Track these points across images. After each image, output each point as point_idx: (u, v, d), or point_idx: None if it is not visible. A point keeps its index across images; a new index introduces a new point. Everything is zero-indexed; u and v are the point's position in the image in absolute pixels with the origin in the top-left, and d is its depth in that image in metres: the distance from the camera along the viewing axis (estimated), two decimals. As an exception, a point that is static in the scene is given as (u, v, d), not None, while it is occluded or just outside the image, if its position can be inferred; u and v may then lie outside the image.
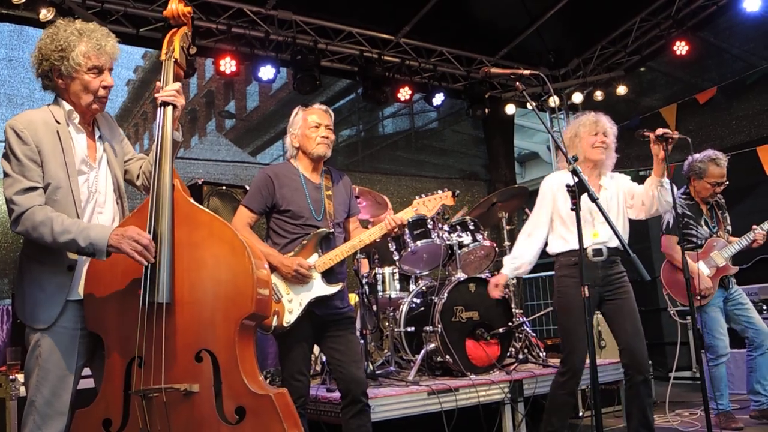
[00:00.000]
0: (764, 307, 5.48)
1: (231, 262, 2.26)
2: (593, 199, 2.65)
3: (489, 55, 7.73)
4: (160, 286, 2.21)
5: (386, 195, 5.35)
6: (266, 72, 6.43)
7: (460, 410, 3.93)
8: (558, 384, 3.46)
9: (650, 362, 5.22)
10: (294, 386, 2.94)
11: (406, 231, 4.63)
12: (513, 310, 4.73)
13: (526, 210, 3.85)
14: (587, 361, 3.11)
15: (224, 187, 5.42)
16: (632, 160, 7.64)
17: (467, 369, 4.33)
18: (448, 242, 4.78)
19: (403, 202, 6.96)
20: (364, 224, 4.34)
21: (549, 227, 3.58)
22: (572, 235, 3.43)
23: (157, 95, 2.43)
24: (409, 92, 7.31)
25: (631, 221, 3.60)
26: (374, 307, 4.82)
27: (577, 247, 3.33)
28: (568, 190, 2.73)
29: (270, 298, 2.46)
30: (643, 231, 6.98)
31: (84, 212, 2.33)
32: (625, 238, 3.41)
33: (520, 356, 4.80)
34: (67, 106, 2.36)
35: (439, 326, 4.32)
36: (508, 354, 4.71)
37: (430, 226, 4.70)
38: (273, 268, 2.97)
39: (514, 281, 5.28)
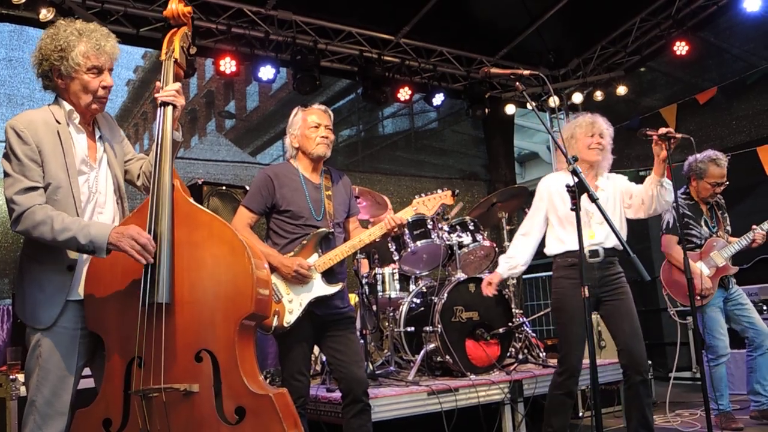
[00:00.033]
0: (764, 308, 5.48)
1: (231, 262, 2.26)
2: (593, 199, 2.65)
3: (489, 55, 7.73)
4: (160, 286, 2.21)
5: (386, 195, 5.36)
6: (266, 72, 6.43)
7: (460, 410, 3.93)
8: (556, 384, 3.47)
9: (650, 363, 5.25)
10: (294, 386, 2.94)
11: (406, 231, 4.63)
12: (513, 310, 4.73)
13: (526, 210, 3.85)
14: (585, 361, 3.12)
15: (224, 187, 5.42)
16: (632, 160, 7.64)
17: (467, 369, 4.33)
18: (447, 242, 4.78)
19: (403, 202, 6.95)
20: (364, 224, 4.34)
21: (545, 228, 3.61)
22: (568, 236, 3.46)
23: (157, 95, 2.43)
24: (409, 92, 7.31)
25: (630, 221, 3.60)
26: (374, 307, 4.82)
27: (573, 248, 3.42)
28: (568, 190, 2.73)
29: (270, 298, 2.47)
30: (643, 231, 6.99)
31: (84, 212, 2.33)
32: (624, 238, 3.41)
33: (520, 356, 4.80)
34: (68, 106, 2.36)
35: (439, 326, 4.33)
36: (508, 354, 4.71)
37: (430, 227, 4.70)
38: (273, 269, 2.97)
39: (514, 281, 5.29)
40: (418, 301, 4.80)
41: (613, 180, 3.60)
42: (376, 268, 4.96)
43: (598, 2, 6.86)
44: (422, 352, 4.42)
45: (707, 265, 4.41)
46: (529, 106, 7.56)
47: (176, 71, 2.50)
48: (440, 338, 4.32)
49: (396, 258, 4.78)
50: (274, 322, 2.98)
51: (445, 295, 4.42)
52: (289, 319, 3.01)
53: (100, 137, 2.47)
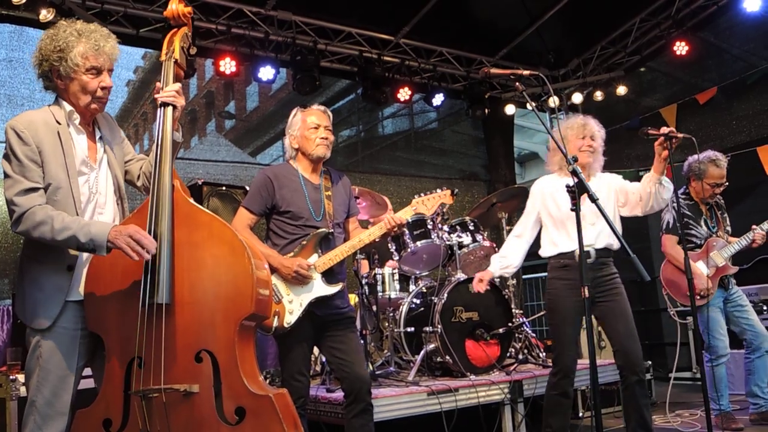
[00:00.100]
0: (764, 308, 5.48)
1: (231, 262, 2.26)
2: (593, 200, 2.65)
3: (489, 56, 7.73)
4: (160, 286, 2.21)
5: (386, 195, 5.35)
6: (266, 72, 6.43)
7: (460, 411, 3.94)
8: (551, 384, 3.50)
9: (650, 363, 5.27)
10: (294, 387, 2.94)
11: (406, 231, 4.63)
12: (513, 310, 4.73)
13: (526, 210, 3.87)
14: (585, 361, 3.12)
15: (224, 188, 5.42)
16: (632, 160, 7.64)
17: (467, 369, 4.33)
18: (447, 242, 4.78)
19: (403, 202, 6.93)
20: (364, 225, 4.33)
21: (537, 230, 3.66)
22: (561, 238, 3.49)
23: (157, 96, 2.43)
24: (409, 92, 7.31)
25: (629, 222, 3.60)
26: (374, 308, 4.82)
27: (565, 249, 3.46)
28: (568, 191, 2.73)
29: (270, 299, 2.47)
30: (643, 231, 6.98)
31: (84, 213, 2.33)
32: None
33: (520, 357, 4.80)
34: (68, 107, 2.36)
35: (439, 327, 4.33)
36: (508, 354, 4.71)
37: (429, 227, 4.70)
38: (273, 269, 2.97)
39: (514, 281, 5.29)
40: (418, 301, 4.80)
41: (606, 180, 3.61)
42: (376, 269, 4.96)
43: (598, 2, 6.86)
44: (422, 353, 4.42)
45: (707, 265, 4.41)
46: (529, 107, 7.56)
47: (176, 72, 2.50)
48: (440, 338, 4.32)
49: (396, 258, 4.78)
50: (275, 323, 2.98)
51: (445, 295, 4.42)
52: (290, 319, 3.01)
53: (101, 138, 2.47)
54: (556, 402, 3.45)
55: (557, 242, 3.51)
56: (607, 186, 3.57)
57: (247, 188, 4.97)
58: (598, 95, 7.94)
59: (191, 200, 2.38)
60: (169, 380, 2.18)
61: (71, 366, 2.27)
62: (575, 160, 2.77)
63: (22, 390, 3.68)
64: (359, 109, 9.03)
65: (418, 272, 5.06)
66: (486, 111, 7.79)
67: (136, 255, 2.17)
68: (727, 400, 4.36)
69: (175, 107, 2.42)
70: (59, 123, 2.32)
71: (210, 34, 6.28)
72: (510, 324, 4.60)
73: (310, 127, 3.21)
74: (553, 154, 3.62)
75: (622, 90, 7.79)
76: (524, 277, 8.10)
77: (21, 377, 3.71)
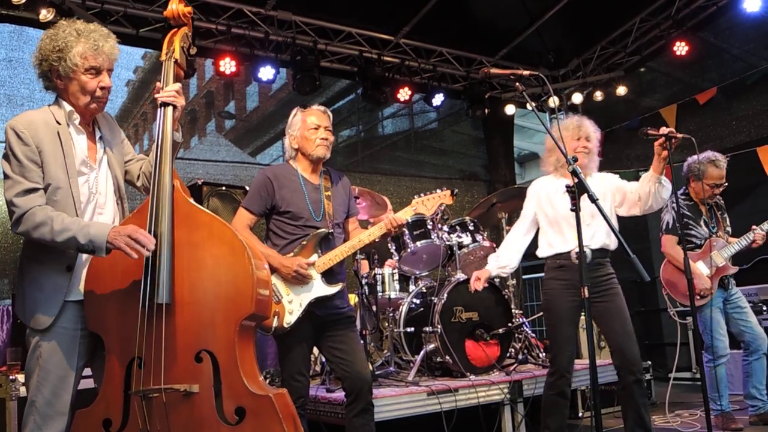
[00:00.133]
0: (764, 308, 5.48)
1: (231, 262, 2.26)
2: (593, 200, 2.66)
3: (489, 56, 7.73)
4: (160, 286, 2.21)
5: (386, 195, 5.35)
6: (266, 72, 6.44)
7: (460, 411, 3.94)
8: (547, 384, 3.51)
9: (650, 363, 5.27)
10: (293, 387, 2.94)
11: (406, 231, 4.64)
12: (512, 310, 4.73)
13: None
14: (584, 361, 3.12)
15: (224, 188, 5.42)
16: (632, 160, 7.65)
17: (467, 369, 4.33)
18: (447, 243, 4.78)
19: (403, 202, 6.93)
20: (364, 225, 4.33)
21: (534, 231, 3.68)
22: (557, 239, 3.51)
23: (157, 96, 2.43)
24: (409, 93, 7.32)
25: (628, 222, 3.61)
26: (374, 308, 4.82)
27: (561, 250, 3.47)
28: (567, 191, 2.73)
29: (270, 299, 2.47)
30: (642, 231, 6.99)
31: (84, 213, 2.33)
32: (614, 239, 3.45)
33: (520, 357, 4.80)
34: (68, 107, 2.36)
35: (439, 327, 4.33)
36: (508, 354, 4.71)
37: (429, 227, 4.70)
38: (273, 269, 2.97)
39: (514, 281, 5.29)
40: (418, 301, 4.80)
41: (602, 180, 3.61)
42: (376, 269, 4.96)
43: (598, 2, 6.87)
44: (422, 353, 4.42)
45: (707, 265, 4.41)
46: (528, 107, 7.56)
47: (176, 72, 2.50)
48: (440, 339, 4.32)
49: (396, 258, 4.78)
50: (274, 323, 2.98)
51: (445, 295, 4.42)
52: (289, 319, 3.01)
53: (100, 138, 2.47)
54: (553, 402, 3.46)
55: (553, 243, 3.53)
56: (603, 186, 3.57)
57: (247, 188, 4.97)
58: (598, 95, 7.94)
59: (191, 200, 2.38)
60: (169, 380, 2.18)
61: (71, 366, 2.27)
62: (575, 160, 2.77)
63: (22, 390, 3.68)
64: (359, 109, 9.03)
65: (417, 272, 5.06)
66: (486, 111, 7.79)
67: (136, 253, 2.17)
68: (727, 400, 4.36)
69: (175, 107, 2.42)
70: (59, 123, 2.32)
71: (210, 34, 6.29)
72: (510, 324, 4.60)
73: (310, 127, 3.21)
74: (549, 155, 3.63)
75: (622, 90, 7.79)
76: (524, 277, 8.10)
77: (21, 377, 3.71)
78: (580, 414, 4.94)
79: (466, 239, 4.89)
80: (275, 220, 3.19)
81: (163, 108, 2.41)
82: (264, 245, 3.15)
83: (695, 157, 4.43)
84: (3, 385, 3.77)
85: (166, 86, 2.45)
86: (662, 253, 4.62)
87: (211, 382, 2.19)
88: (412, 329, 4.64)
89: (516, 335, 4.86)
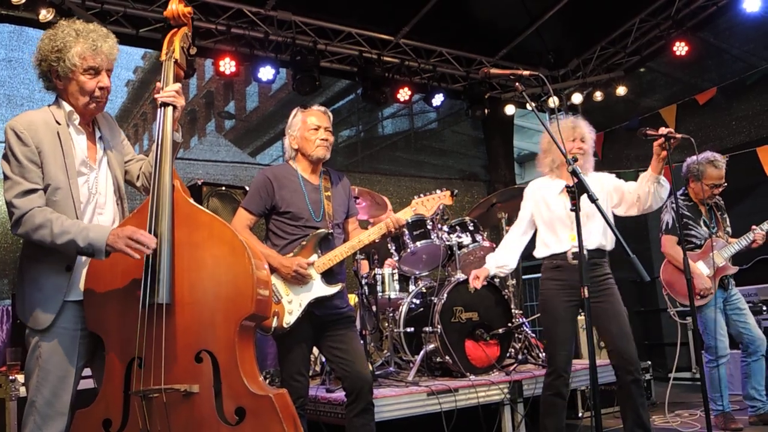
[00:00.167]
0: (764, 308, 5.48)
1: (231, 262, 2.26)
2: (593, 200, 2.66)
3: (489, 56, 7.73)
4: (160, 286, 2.21)
5: (386, 195, 5.35)
6: (266, 72, 6.44)
7: (460, 411, 3.94)
8: (545, 385, 3.51)
9: (650, 363, 5.27)
10: (293, 387, 2.94)
11: (406, 232, 4.64)
12: (512, 310, 4.73)
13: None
14: (584, 361, 3.12)
15: (224, 188, 5.42)
16: (632, 161, 7.65)
17: (467, 370, 4.33)
18: (447, 243, 4.78)
19: (403, 202, 6.94)
20: (364, 225, 4.34)
21: (532, 231, 3.70)
22: (553, 240, 3.52)
23: (157, 96, 2.43)
24: (409, 93, 7.32)
25: (629, 222, 3.61)
26: (374, 308, 4.82)
27: (557, 251, 3.48)
28: (567, 191, 2.74)
29: (270, 299, 2.47)
30: (642, 231, 6.99)
31: (84, 213, 2.33)
32: (610, 239, 3.46)
33: (520, 357, 4.80)
34: (68, 107, 2.36)
35: (439, 327, 4.33)
36: (508, 354, 4.71)
37: (429, 227, 4.70)
38: (273, 269, 2.97)
39: (513, 281, 5.29)
40: (418, 301, 4.80)
41: (599, 180, 3.61)
42: (376, 269, 4.97)
43: (598, 2, 6.87)
44: (422, 353, 4.42)
45: (707, 265, 4.41)
46: (528, 107, 7.53)
47: (176, 72, 2.50)
48: (440, 339, 4.32)
49: (395, 258, 4.78)
50: (274, 323, 2.98)
51: (445, 295, 4.42)
52: (289, 319, 3.01)
53: (100, 138, 2.47)
54: (550, 402, 3.46)
55: (548, 243, 3.54)
56: (600, 186, 3.57)
57: (247, 188, 4.97)
58: (598, 95, 7.94)
59: (191, 200, 2.38)
60: (170, 380, 2.18)
61: (71, 366, 2.27)
62: (575, 160, 2.78)
63: (22, 390, 3.68)
64: (359, 109, 9.03)
65: (417, 272, 5.06)
66: (486, 111, 7.79)
67: (137, 254, 2.17)
68: (727, 400, 4.36)
69: (175, 107, 2.42)
70: (59, 123, 2.32)
71: (210, 34, 6.29)
72: (510, 324, 4.60)
73: (310, 128, 3.21)
74: (544, 156, 3.63)
75: (621, 90, 7.79)
76: (524, 277, 8.10)
77: (21, 377, 3.70)
78: (580, 414, 4.94)
79: (465, 239, 4.89)
80: (275, 220, 3.19)
81: (163, 108, 2.41)
82: (264, 245, 3.15)
83: (694, 157, 4.43)
84: (3, 385, 3.76)
85: (166, 86, 2.45)
86: (662, 253, 4.62)
87: (211, 382, 2.19)
88: (412, 329, 4.64)
89: (516, 335, 4.86)
